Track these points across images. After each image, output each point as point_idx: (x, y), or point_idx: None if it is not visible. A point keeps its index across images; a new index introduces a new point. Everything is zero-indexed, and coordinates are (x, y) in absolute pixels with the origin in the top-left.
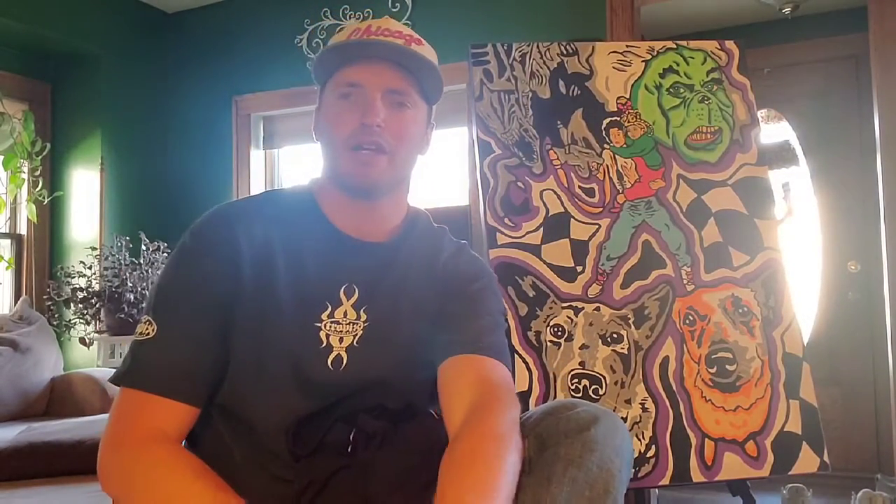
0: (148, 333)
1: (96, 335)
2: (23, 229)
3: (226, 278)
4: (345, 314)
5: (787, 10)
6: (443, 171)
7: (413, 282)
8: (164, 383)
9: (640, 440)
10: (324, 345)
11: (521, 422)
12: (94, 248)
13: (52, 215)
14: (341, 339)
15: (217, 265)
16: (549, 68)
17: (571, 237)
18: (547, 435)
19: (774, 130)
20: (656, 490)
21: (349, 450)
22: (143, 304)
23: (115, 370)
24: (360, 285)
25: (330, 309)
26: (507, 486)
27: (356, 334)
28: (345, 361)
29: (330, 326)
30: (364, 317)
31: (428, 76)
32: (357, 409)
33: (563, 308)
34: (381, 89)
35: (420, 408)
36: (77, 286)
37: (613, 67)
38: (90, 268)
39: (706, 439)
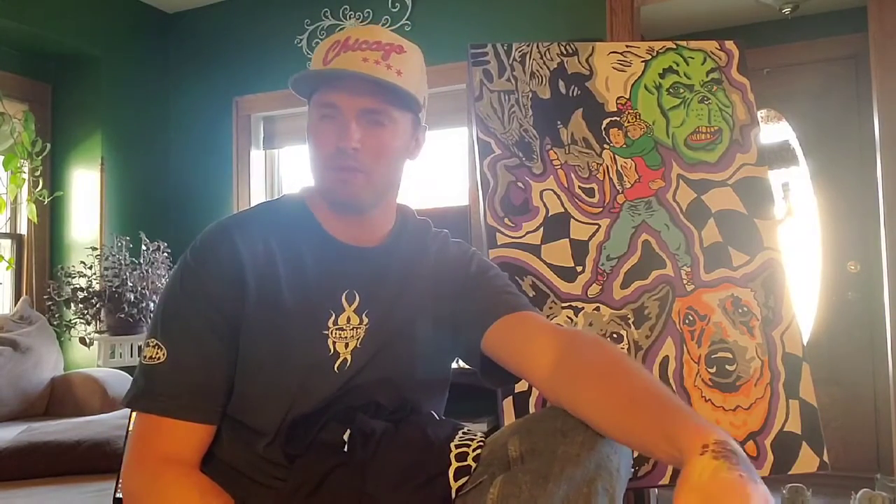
0: (158, 358)
1: (96, 335)
2: (23, 229)
3: (231, 295)
4: (348, 320)
5: (786, 11)
6: (443, 171)
7: (409, 282)
8: (180, 407)
9: None
10: (331, 352)
11: (518, 422)
12: (94, 248)
13: (52, 215)
14: (347, 345)
15: (221, 283)
16: (548, 68)
17: (571, 237)
18: (544, 433)
19: (774, 130)
20: (656, 490)
21: (346, 449)
22: (143, 305)
23: (126, 392)
24: (359, 290)
25: (334, 316)
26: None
27: (359, 337)
28: (349, 363)
29: (336, 333)
30: (366, 320)
31: (405, 92)
32: (352, 408)
33: (563, 308)
34: (355, 111)
35: (419, 407)
36: (77, 286)
37: (613, 67)
38: (90, 268)
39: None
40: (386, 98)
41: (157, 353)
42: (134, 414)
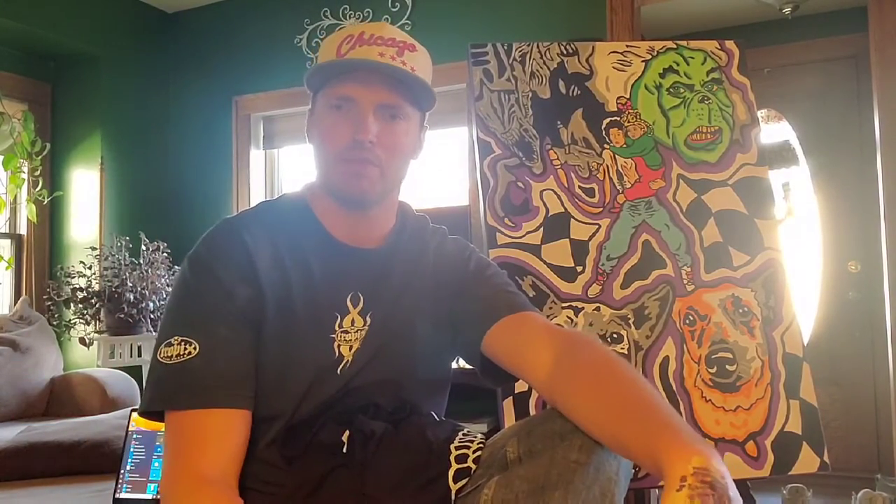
0: (189, 353)
1: (96, 335)
2: (23, 229)
3: (245, 292)
4: (352, 322)
5: (787, 10)
6: (443, 171)
7: (410, 282)
8: (226, 396)
9: None
10: (336, 355)
11: (519, 424)
12: (93, 248)
13: (51, 215)
14: (351, 347)
15: (235, 277)
16: (549, 68)
17: (571, 237)
18: (542, 436)
19: (774, 130)
20: (656, 490)
21: (345, 450)
22: (143, 305)
23: (148, 397)
24: (363, 292)
25: (339, 319)
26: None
27: (361, 339)
28: (350, 364)
29: (341, 336)
30: (369, 321)
31: (420, 87)
32: (351, 409)
33: (564, 308)
34: (373, 104)
35: (420, 408)
36: (77, 286)
37: (613, 67)
38: (90, 268)
39: (706, 439)
40: (402, 93)
41: (185, 348)
42: (134, 415)
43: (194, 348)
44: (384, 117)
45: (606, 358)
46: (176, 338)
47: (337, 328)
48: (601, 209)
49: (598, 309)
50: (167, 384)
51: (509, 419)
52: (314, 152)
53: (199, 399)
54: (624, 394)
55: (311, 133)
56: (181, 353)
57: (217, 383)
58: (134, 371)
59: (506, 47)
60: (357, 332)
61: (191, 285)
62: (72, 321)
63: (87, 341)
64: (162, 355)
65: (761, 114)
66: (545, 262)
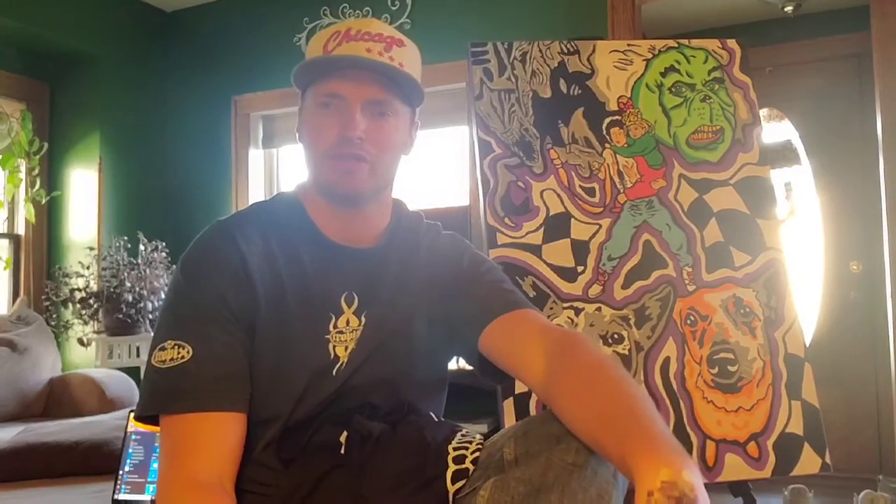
0: (182, 356)
1: (94, 335)
2: (21, 229)
3: (241, 287)
4: (347, 322)
5: (789, 9)
6: (443, 171)
7: (405, 281)
8: (220, 399)
9: None
10: (332, 356)
11: (517, 425)
12: (92, 249)
13: (50, 215)
14: (346, 347)
15: (228, 279)
16: (549, 67)
17: (572, 237)
18: (539, 437)
19: (776, 130)
20: None
21: (342, 451)
22: (141, 305)
23: (144, 401)
24: (357, 292)
25: (334, 319)
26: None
27: (356, 339)
28: (345, 365)
29: (336, 337)
30: (364, 321)
31: (409, 82)
32: (348, 410)
33: (564, 308)
34: (360, 100)
35: (417, 407)
36: (75, 286)
37: (614, 66)
38: (88, 268)
39: (707, 440)
40: (391, 89)
41: (178, 352)
42: (131, 416)
43: (187, 352)
44: (373, 113)
45: (595, 360)
46: (169, 342)
47: (331, 328)
48: (602, 209)
49: (599, 309)
50: (161, 388)
51: (509, 420)
52: (304, 150)
53: (192, 403)
54: (607, 398)
55: (300, 131)
56: (174, 357)
57: (210, 387)
58: (132, 371)
59: (506, 46)
60: (352, 332)
61: (183, 289)
62: (70, 321)
63: (86, 342)
64: (156, 360)
65: (763, 113)
66: (546, 263)
